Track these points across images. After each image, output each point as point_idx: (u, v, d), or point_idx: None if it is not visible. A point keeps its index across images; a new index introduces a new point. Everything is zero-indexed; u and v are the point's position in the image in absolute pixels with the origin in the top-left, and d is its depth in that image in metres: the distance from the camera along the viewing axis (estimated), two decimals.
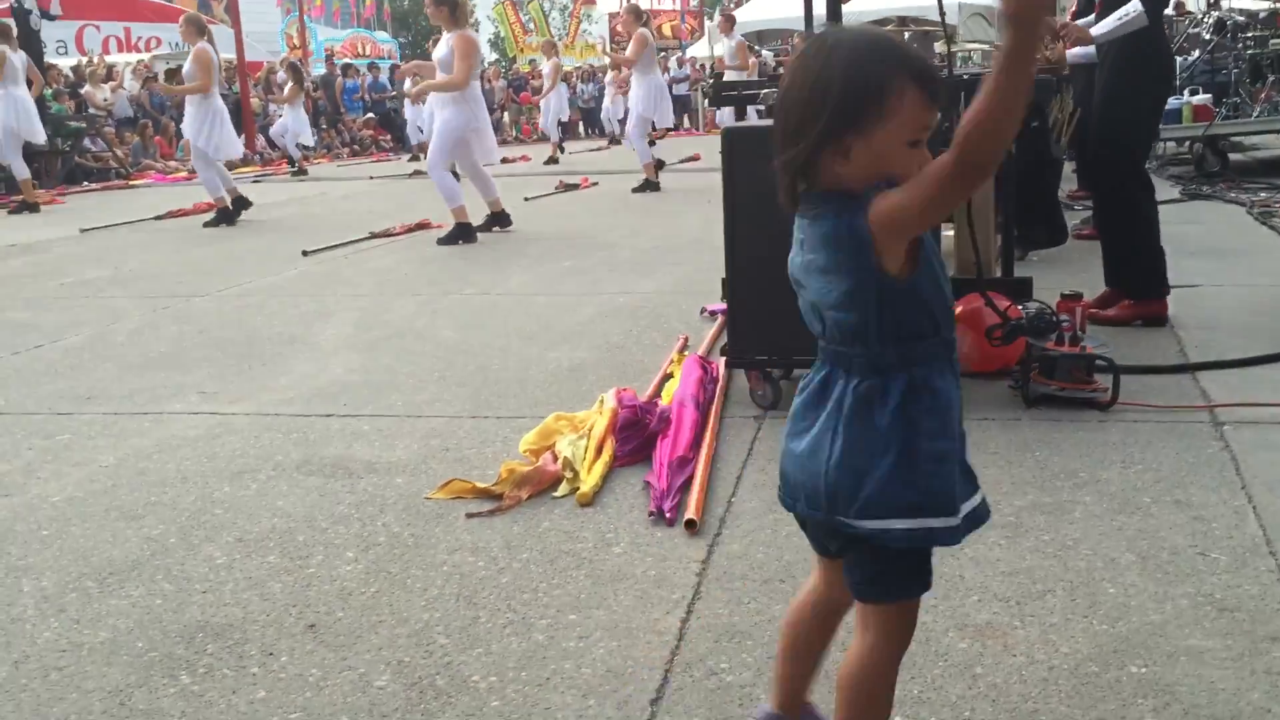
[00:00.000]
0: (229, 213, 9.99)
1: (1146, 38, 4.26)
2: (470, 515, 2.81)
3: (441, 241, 7.98)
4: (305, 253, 7.67)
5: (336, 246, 7.98)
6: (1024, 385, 3.49)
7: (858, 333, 1.44)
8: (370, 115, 23.80)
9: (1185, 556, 2.36)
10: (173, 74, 15.17)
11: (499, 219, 8.51)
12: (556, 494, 2.93)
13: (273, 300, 5.99)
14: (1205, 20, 11.14)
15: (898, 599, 1.52)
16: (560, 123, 18.75)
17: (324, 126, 22.35)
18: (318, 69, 26.78)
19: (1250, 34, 10.64)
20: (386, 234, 8.54)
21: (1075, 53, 5.51)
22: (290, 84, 16.97)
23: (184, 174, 17.35)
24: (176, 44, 25.24)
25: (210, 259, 7.83)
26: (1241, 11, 11.39)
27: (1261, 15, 11.94)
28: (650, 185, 11.33)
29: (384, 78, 25.33)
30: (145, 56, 24.45)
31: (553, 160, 16.84)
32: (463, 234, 8.03)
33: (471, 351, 4.59)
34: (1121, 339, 4.12)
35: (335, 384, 4.17)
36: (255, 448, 3.44)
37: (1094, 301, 4.54)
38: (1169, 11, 11.74)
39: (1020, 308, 3.76)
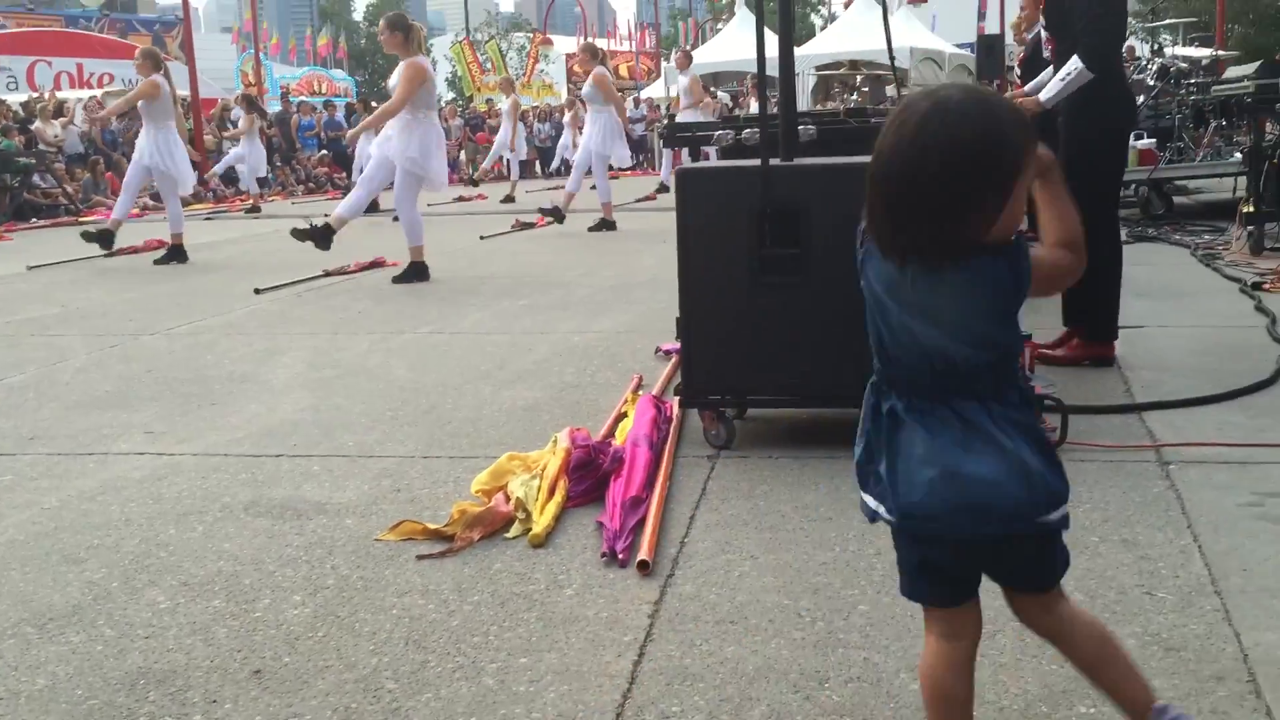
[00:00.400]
0: (180, 250, 9.91)
1: (1101, 84, 4.27)
2: (421, 557, 2.78)
3: (397, 280, 7.95)
4: (257, 290, 7.61)
5: (289, 284, 7.93)
6: None
7: (997, 361, 1.57)
8: (325, 153, 23.74)
9: (1132, 596, 2.39)
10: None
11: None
12: (509, 535, 2.91)
13: (223, 339, 5.93)
14: (1150, 67, 11.40)
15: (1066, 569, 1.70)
16: (520, 161, 18.81)
17: (279, 164, 22.24)
18: (273, 106, 26.68)
19: (1193, 80, 10.91)
20: (341, 272, 8.50)
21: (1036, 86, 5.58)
22: (245, 115, 16.91)
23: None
24: (130, 80, 25.13)
25: (160, 297, 7.74)
26: (1184, 59, 11.66)
27: (1204, 63, 12.26)
28: (606, 224, 11.37)
29: (340, 115, 25.30)
30: (98, 93, 24.25)
31: (509, 199, 16.88)
32: (417, 273, 8.00)
33: (424, 391, 4.56)
34: (1070, 379, 4.18)
35: (285, 424, 4.13)
36: (202, 489, 3.39)
37: (1050, 341, 4.60)
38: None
39: None
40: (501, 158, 18.79)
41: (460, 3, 52.88)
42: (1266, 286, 6.03)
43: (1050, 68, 4.60)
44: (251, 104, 17.56)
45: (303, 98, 28.98)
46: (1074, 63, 4.22)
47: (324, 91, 35.24)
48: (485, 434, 3.90)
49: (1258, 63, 9.05)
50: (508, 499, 3.06)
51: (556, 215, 11.44)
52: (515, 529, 2.94)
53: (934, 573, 1.66)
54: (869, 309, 1.66)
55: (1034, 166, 1.52)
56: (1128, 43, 16.37)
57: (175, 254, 9.91)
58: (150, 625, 2.46)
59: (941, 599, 1.68)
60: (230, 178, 20.03)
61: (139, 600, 2.59)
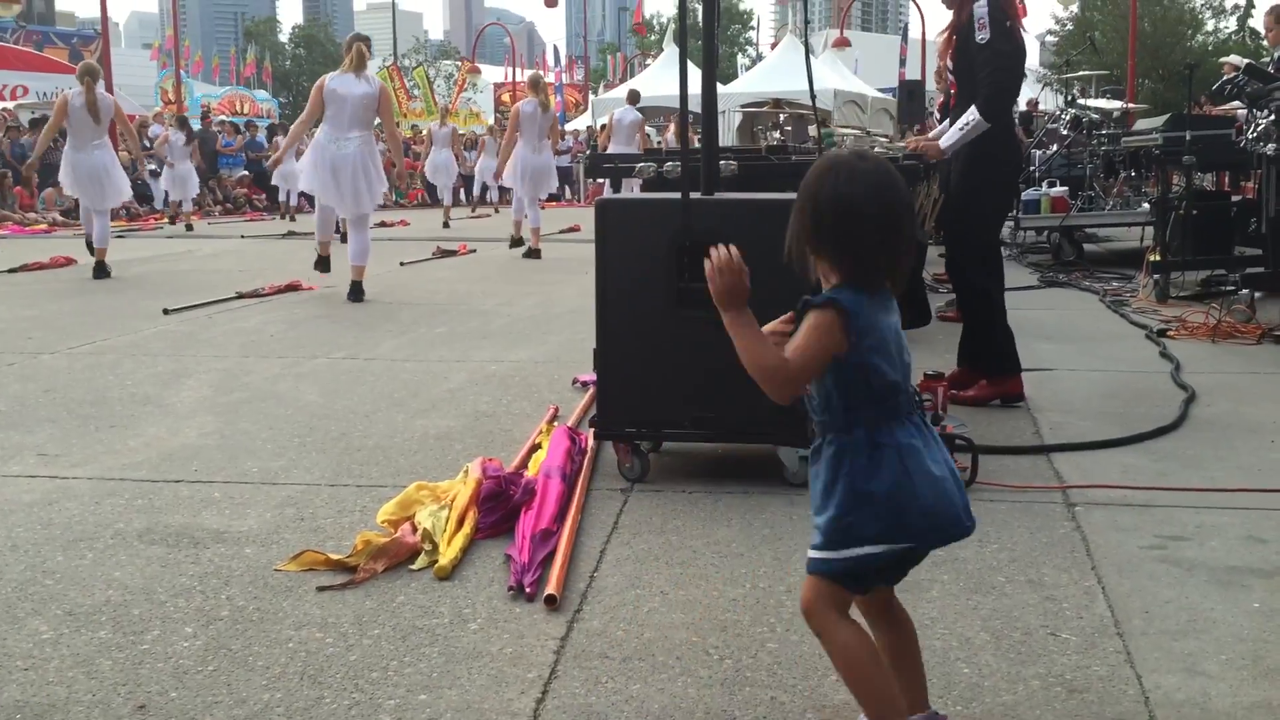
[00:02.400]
0: (103, 265, 9.71)
1: (992, 137, 4.46)
2: (322, 589, 2.70)
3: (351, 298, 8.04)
4: (166, 311, 7.42)
5: (200, 306, 7.74)
6: None
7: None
8: (246, 173, 23.37)
9: (1037, 637, 2.39)
10: (37, 124, 14.73)
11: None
12: (414, 567, 2.84)
13: (128, 359, 5.75)
14: (1063, 117, 11.71)
15: None
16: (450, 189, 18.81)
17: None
18: (193, 125, 26.22)
19: (1104, 131, 11.22)
20: (254, 294, 8.32)
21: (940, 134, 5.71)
22: (179, 132, 16.76)
23: (44, 226, 16.74)
24: (45, 94, 24.50)
25: (64, 315, 7.51)
26: (1096, 110, 11.99)
27: (1115, 114, 12.61)
28: (534, 253, 11.38)
29: (261, 136, 24.96)
30: (10, 105, 23.65)
31: (445, 224, 16.92)
32: (354, 293, 8.10)
33: (335, 417, 4.46)
34: (980, 419, 4.23)
35: (187, 448, 4.00)
36: (95, 514, 3.26)
37: (949, 379, 4.66)
38: (1022, 108, 12.34)
39: None
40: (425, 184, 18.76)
41: (389, 28, 52.62)
42: (1171, 334, 6.18)
43: (951, 116, 4.77)
44: (183, 123, 17.38)
45: (223, 117, 28.54)
46: (972, 113, 4.42)
47: (246, 112, 34.74)
48: (395, 463, 3.82)
49: (1166, 116, 9.35)
50: (414, 530, 2.99)
51: (517, 243, 11.53)
52: (421, 560, 2.86)
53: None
54: (871, 358, 1.83)
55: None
56: (1034, 95, 16.82)
57: (98, 270, 9.74)
58: (31, 656, 2.34)
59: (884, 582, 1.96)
60: (146, 195, 19.64)
61: (20, 630, 2.47)
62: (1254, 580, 2.72)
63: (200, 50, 60.36)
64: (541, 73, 16.47)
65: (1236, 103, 9.08)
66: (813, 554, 1.87)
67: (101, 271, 9.68)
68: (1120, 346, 6.06)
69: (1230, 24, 47.91)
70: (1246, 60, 11.09)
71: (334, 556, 2.85)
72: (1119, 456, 3.80)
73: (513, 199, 11.77)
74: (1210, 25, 48.54)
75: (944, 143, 4.57)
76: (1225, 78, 11.09)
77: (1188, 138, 7.76)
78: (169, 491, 3.49)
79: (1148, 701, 2.11)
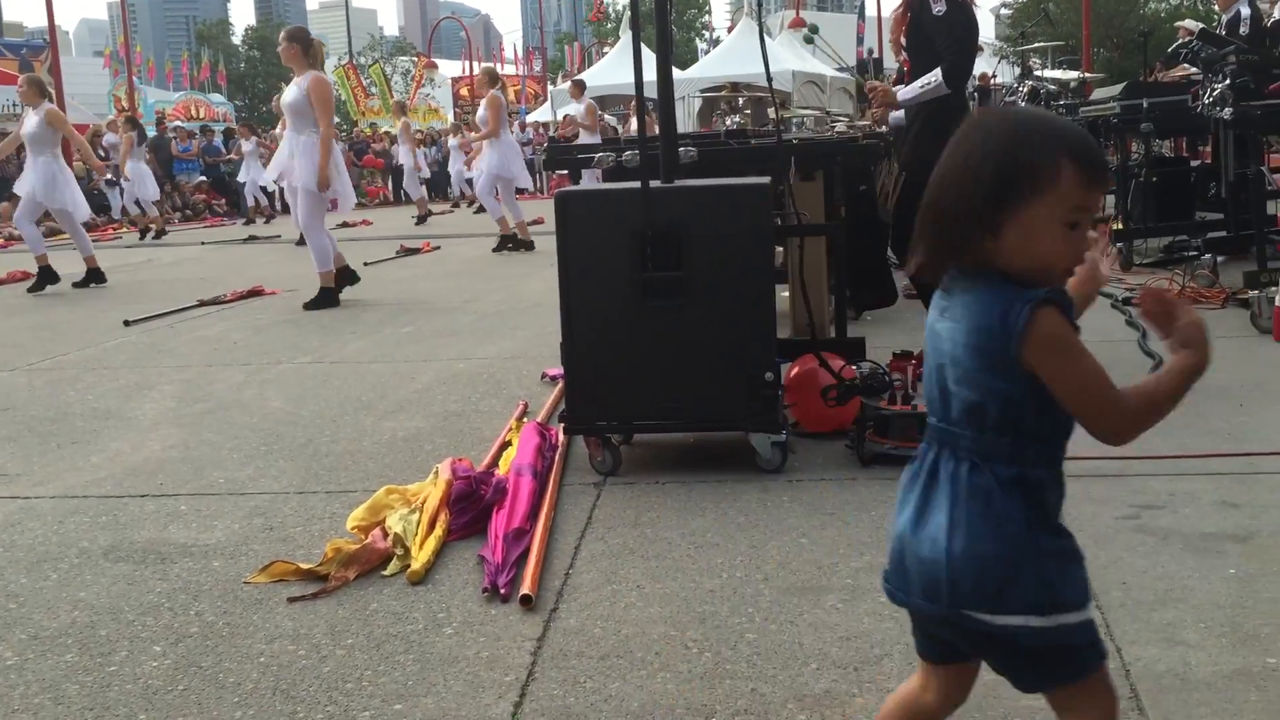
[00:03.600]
0: (49, 272, 9.57)
1: (946, 109, 4.46)
2: (293, 599, 2.65)
3: (308, 306, 7.75)
4: (127, 322, 7.31)
5: (161, 315, 7.64)
6: (859, 445, 3.52)
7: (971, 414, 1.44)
8: (204, 179, 23.12)
9: None
10: None
11: (345, 276, 8.14)
12: (386, 572, 2.79)
13: (88, 374, 5.66)
14: (1020, 89, 11.73)
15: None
16: (421, 181, 18.73)
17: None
18: (149, 131, 25.89)
19: (1062, 102, 11.24)
20: (216, 302, 8.22)
21: (897, 116, 5.73)
22: (124, 137, 16.48)
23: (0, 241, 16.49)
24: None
25: (21, 330, 7.39)
26: (1053, 81, 12.01)
27: (1072, 85, 12.64)
28: (513, 242, 11.29)
29: (218, 141, 24.70)
30: None
31: (422, 219, 16.84)
32: (326, 299, 7.82)
33: (301, 423, 4.40)
34: None
35: (151, 462, 3.94)
36: (58, 534, 3.20)
37: (918, 358, 4.65)
38: (975, 81, 12.38)
39: (854, 368, 3.82)
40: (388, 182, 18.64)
41: (343, 25, 52.22)
42: (1136, 301, 6.21)
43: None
44: (135, 125, 17.14)
45: (178, 122, 28.22)
46: (935, 75, 4.42)
47: (202, 116, 34.37)
48: (364, 467, 3.77)
49: (1122, 84, 9.37)
50: (385, 534, 2.95)
51: (518, 244, 11.36)
52: (393, 566, 2.82)
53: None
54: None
55: (1064, 202, 1.37)
56: (988, 70, 16.88)
57: (93, 276, 9.88)
58: None
59: (921, 650, 1.59)
60: (104, 205, 19.39)
61: None
62: (1229, 546, 2.72)
63: (152, 55, 59.64)
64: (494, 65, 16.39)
65: (1189, 66, 9.13)
66: None
67: (98, 278, 9.87)
68: (1087, 316, 6.05)
69: None
70: (1200, 25, 11.16)
71: (304, 566, 2.80)
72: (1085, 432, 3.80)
73: (504, 196, 11.60)
74: None
75: (901, 95, 4.61)
76: (1180, 41, 11.16)
77: (1145, 105, 7.78)
78: (134, 507, 3.43)
79: (1128, 674, 2.11)
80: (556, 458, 3.62)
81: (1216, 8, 10.09)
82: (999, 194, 1.38)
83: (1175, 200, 8.44)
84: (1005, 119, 1.46)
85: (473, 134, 13.20)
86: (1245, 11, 9.31)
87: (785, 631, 2.35)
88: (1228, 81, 6.59)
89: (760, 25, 4.46)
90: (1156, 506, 3.01)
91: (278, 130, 8.47)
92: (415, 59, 48.88)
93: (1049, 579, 1.41)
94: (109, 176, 18.16)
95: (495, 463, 3.63)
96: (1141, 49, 9.96)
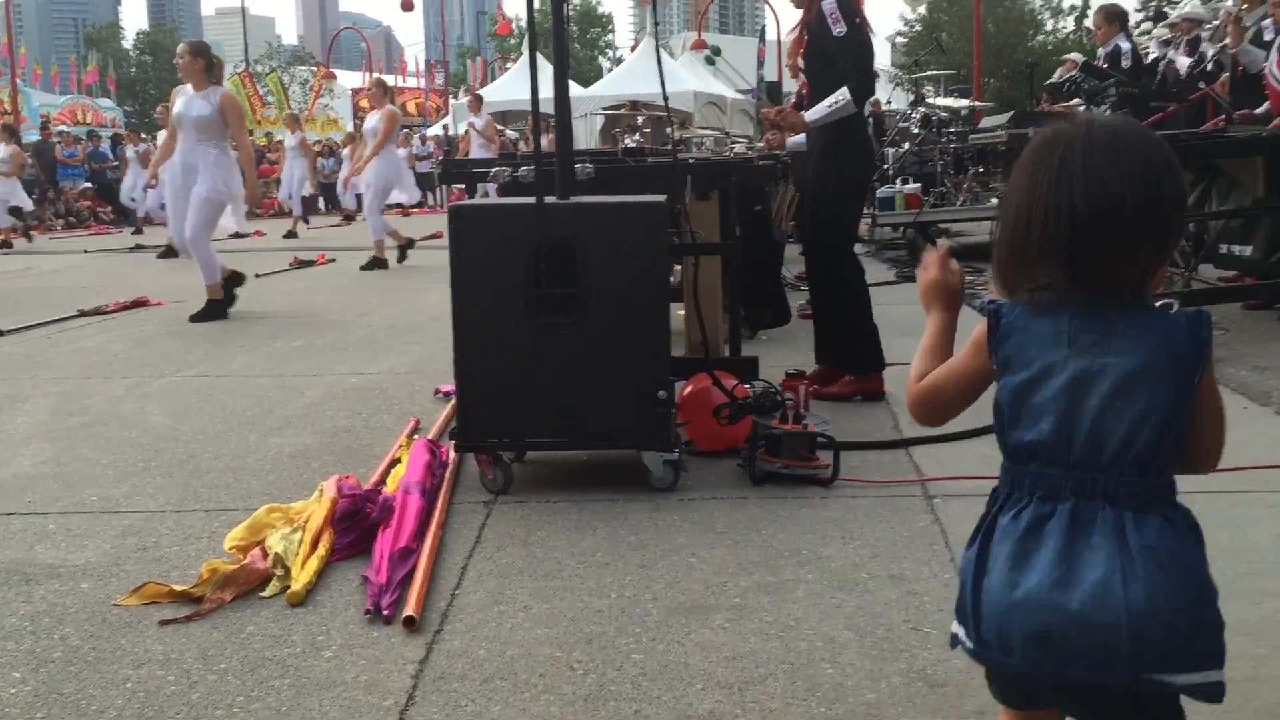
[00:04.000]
0: None
1: (847, 125, 4.51)
2: (165, 623, 2.55)
3: (194, 318, 7.52)
4: (1, 332, 7.02)
5: (39, 325, 7.35)
6: (751, 464, 3.53)
7: (1133, 453, 1.35)
8: (89, 185, 22.40)
9: (899, 632, 2.41)
10: None
11: (233, 280, 7.89)
12: (265, 594, 2.71)
13: None
14: (913, 115, 12.01)
15: None
16: (302, 197, 18.26)
17: (35, 197, 20.83)
18: (31, 135, 25.02)
19: (953, 129, 11.55)
20: (98, 312, 7.94)
21: (795, 140, 5.79)
22: (7, 147, 15.84)
23: None
24: None
25: None
26: (945, 108, 12.34)
27: (962, 112, 12.99)
28: (378, 263, 11.06)
29: (105, 146, 23.97)
30: None
31: (292, 234, 16.40)
32: (215, 311, 7.59)
33: (182, 439, 4.26)
34: (842, 415, 4.27)
35: (20, 478, 3.77)
36: None
37: (810, 378, 4.70)
38: (869, 108, 12.64)
39: (747, 387, 3.84)
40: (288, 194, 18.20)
41: (239, 32, 51.21)
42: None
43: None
44: (12, 133, 16.52)
45: (63, 127, 27.33)
46: (843, 93, 4.41)
47: (89, 121, 33.32)
48: (247, 484, 3.66)
49: (1010, 113, 9.65)
50: (265, 555, 2.86)
51: (374, 263, 11.09)
52: (272, 587, 2.74)
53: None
54: (1004, 398, 1.44)
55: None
56: (880, 96, 17.30)
57: None
58: None
59: (1009, 698, 1.49)
60: None
61: None
62: None
63: (38, 58, 57.68)
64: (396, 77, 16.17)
65: (1077, 100, 9.44)
66: None
67: None
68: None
69: (1069, 24, 50.17)
70: (1084, 58, 11.57)
71: (178, 588, 2.70)
72: (975, 447, 3.87)
73: (375, 206, 11.34)
74: (1049, 25, 50.77)
75: (809, 116, 4.56)
76: (1066, 75, 11.54)
77: (1030, 134, 8.03)
78: None
79: None
80: (447, 475, 3.56)
81: (1097, 40, 10.46)
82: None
83: None
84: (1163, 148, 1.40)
85: (357, 149, 12.75)
86: (1125, 45, 9.66)
87: (672, 652, 2.33)
88: (1109, 113, 6.82)
89: (657, 45, 4.47)
90: None
91: (157, 140, 8.18)
92: (314, 69, 48.13)
93: (1222, 625, 1.35)
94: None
95: (383, 480, 3.56)
96: (1028, 79, 10.27)
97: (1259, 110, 6.64)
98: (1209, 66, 9.18)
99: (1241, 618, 2.37)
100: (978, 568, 1.41)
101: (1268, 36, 7.24)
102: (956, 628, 1.47)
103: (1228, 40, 7.97)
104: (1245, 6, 7.99)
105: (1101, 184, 1.34)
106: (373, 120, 11.24)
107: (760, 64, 33.14)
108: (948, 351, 1.55)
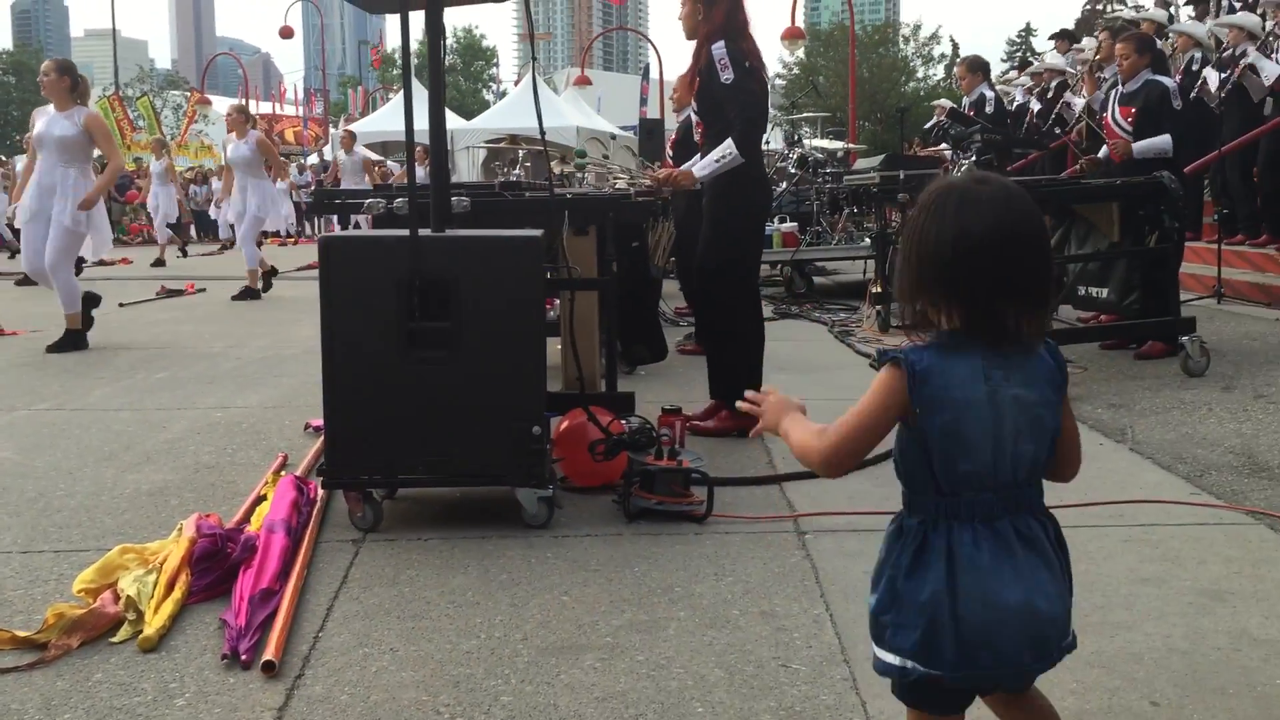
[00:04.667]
0: None
1: (744, 170, 4.54)
2: (4, 670, 2.42)
3: (51, 349, 7.19)
4: None
5: None
6: (626, 500, 3.52)
7: (1036, 470, 1.61)
8: None
9: (769, 669, 2.41)
10: None
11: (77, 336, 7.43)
12: (115, 639, 2.59)
13: None
14: (791, 156, 12.25)
15: None
16: (169, 224, 17.69)
17: None
18: None
19: (828, 170, 11.81)
20: None
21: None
22: None
23: None
24: None
25: None
26: (821, 150, 12.61)
27: (838, 154, 13.31)
28: (251, 293, 10.78)
29: None
30: None
31: (160, 262, 15.86)
32: (74, 342, 7.27)
33: (33, 475, 4.06)
34: (718, 451, 4.29)
35: None
36: None
37: (699, 413, 4.72)
38: None
39: (623, 422, 3.83)
40: (151, 220, 17.62)
41: (109, 54, 49.67)
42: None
43: (700, 152, 4.81)
44: None
45: None
46: (728, 145, 4.45)
47: None
48: (101, 523, 3.51)
49: (882, 155, 9.92)
50: (117, 598, 2.73)
51: (251, 294, 10.77)
52: (124, 632, 2.62)
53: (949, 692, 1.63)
54: (936, 438, 1.56)
55: None
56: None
57: None
58: None
59: (944, 707, 1.67)
60: None
61: None
62: None
63: None
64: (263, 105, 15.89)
65: (944, 145, 9.76)
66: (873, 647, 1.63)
67: None
68: (847, 375, 6.32)
69: (939, 71, 52.03)
70: (952, 105, 11.97)
71: (20, 634, 2.56)
72: (846, 484, 3.91)
73: (250, 235, 11.07)
74: (920, 72, 52.59)
75: (699, 172, 4.60)
76: (934, 120, 11.93)
77: (901, 176, 8.24)
78: None
79: None
80: (314, 513, 3.47)
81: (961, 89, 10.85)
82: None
83: None
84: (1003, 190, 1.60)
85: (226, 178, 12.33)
86: (989, 94, 10.04)
87: (541, 693, 2.30)
88: (974, 159, 7.07)
89: (535, 79, 4.45)
90: None
91: (19, 165, 7.82)
92: (188, 94, 46.96)
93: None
94: None
95: (247, 519, 3.44)
96: (899, 124, 10.58)
97: (1100, 154, 6.94)
98: (1063, 113, 9.62)
99: (1096, 650, 2.44)
100: (950, 591, 1.54)
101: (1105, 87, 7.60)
102: (890, 657, 1.59)
103: (1084, 89, 8.34)
104: (1099, 58, 8.38)
105: (975, 227, 1.53)
106: (241, 149, 10.98)
107: (643, 101, 33.50)
108: (821, 428, 1.66)
